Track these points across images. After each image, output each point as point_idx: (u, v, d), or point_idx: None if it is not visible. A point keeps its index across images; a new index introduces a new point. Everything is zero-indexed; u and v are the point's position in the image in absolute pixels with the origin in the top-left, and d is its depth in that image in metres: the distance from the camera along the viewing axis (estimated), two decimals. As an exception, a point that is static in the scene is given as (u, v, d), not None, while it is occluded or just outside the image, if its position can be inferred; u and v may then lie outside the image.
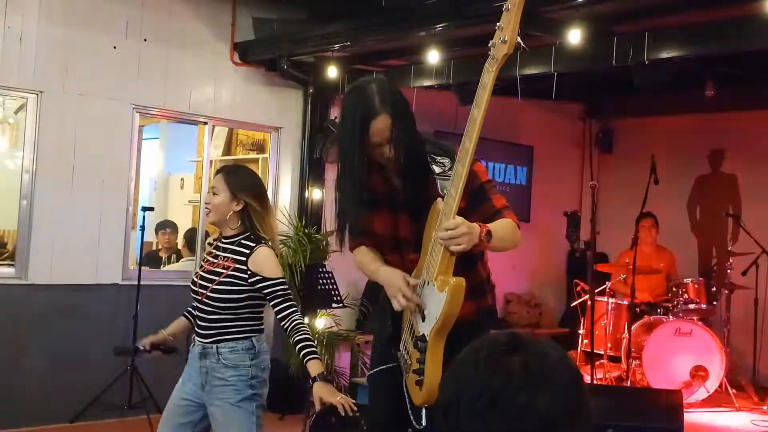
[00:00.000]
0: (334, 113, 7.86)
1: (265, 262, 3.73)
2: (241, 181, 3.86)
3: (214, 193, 3.80)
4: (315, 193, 7.81)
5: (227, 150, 9.22)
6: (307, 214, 7.70)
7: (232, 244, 3.79)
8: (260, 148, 8.73)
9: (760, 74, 7.47)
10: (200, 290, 3.77)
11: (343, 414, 3.41)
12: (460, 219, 2.81)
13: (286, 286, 3.75)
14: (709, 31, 5.58)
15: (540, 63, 6.32)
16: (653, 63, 5.81)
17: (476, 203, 3.03)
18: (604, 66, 6.18)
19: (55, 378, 6.44)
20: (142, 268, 6.77)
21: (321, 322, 7.35)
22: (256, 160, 8.66)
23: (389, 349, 3.28)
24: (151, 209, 7.14)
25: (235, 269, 3.72)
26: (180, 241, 8.57)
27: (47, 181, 6.44)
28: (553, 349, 1.44)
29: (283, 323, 3.70)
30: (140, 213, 6.76)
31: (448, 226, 2.79)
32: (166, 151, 10.08)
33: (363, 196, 3.12)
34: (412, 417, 3.17)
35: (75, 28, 6.56)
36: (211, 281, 3.74)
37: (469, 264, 3.02)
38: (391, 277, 3.11)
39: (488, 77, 2.71)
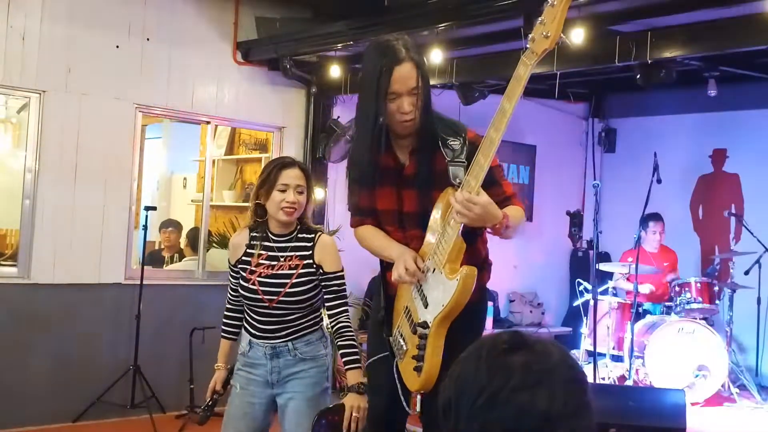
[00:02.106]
0: (337, 112, 7.86)
1: (328, 251, 3.65)
2: (311, 176, 3.76)
3: (300, 192, 3.61)
4: (318, 193, 7.80)
5: (230, 149, 9.22)
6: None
7: (290, 241, 3.65)
8: (263, 147, 8.73)
9: (762, 73, 7.46)
10: (267, 296, 3.60)
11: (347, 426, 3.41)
12: (485, 198, 2.81)
13: (343, 281, 3.68)
14: (712, 30, 5.57)
15: (542, 62, 6.23)
16: (656, 62, 5.81)
17: (487, 187, 2.99)
18: (607, 65, 6.18)
19: (58, 377, 6.44)
20: (145, 267, 6.78)
21: (328, 317, 7.33)
22: (258, 160, 8.66)
23: (383, 334, 3.28)
24: (154, 208, 7.14)
25: (305, 266, 3.61)
26: (183, 241, 8.57)
27: (50, 180, 6.45)
28: (555, 348, 1.44)
29: (330, 320, 3.68)
30: (143, 212, 6.76)
31: (471, 199, 2.77)
32: (169, 150, 10.09)
33: (376, 156, 3.08)
34: (404, 402, 3.17)
35: (78, 27, 6.56)
36: (282, 285, 3.59)
37: (469, 241, 3.01)
38: (399, 256, 3.09)
39: (524, 70, 2.71)
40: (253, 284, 3.63)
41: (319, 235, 3.69)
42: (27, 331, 6.35)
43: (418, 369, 3.00)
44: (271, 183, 3.59)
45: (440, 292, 2.95)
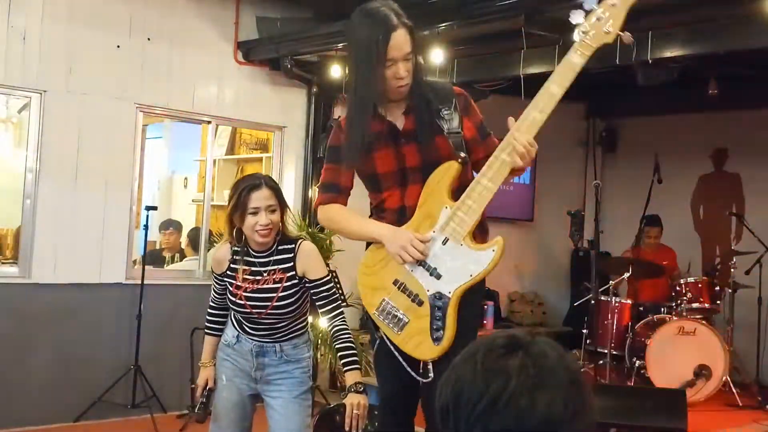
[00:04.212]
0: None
1: (310, 260, 3.66)
2: (280, 190, 3.75)
3: (272, 211, 3.58)
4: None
5: (231, 149, 9.22)
6: (311, 214, 7.69)
7: (271, 255, 3.65)
8: (264, 147, 8.74)
9: (763, 73, 7.46)
10: (255, 310, 3.65)
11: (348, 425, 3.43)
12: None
13: (331, 285, 3.70)
14: (713, 29, 5.58)
15: (543, 62, 6.32)
16: (657, 62, 5.82)
17: (483, 136, 3.21)
18: (608, 65, 6.17)
19: (59, 377, 6.44)
20: (146, 267, 6.78)
21: (324, 321, 7.34)
22: (259, 160, 8.66)
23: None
24: (155, 208, 7.14)
25: (288, 278, 3.63)
26: (183, 240, 8.58)
27: (51, 180, 6.45)
28: (551, 349, 1.44)
29: (327, 325, 3.71)
30: (144, 212, 6.76)
31: (533, 142, 2.92)
32: (170, 150, 10.09)
33: (371, 124, 3.12)
34: (415, 374, 3.17)
35: (78, 27, 6.56)
36: (269, 299, 3.62)
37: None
38: (395, 234, 3.11)
39: (580, 60, 2.92)
40: (240, 299, 3.67)
41: (300, 244, 3.68)
42: (28, 331, 6.35)
43: (438, 339, 3.06)
44: (242, 207, 3.57)
45: (466, 263, 3.02)
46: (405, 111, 3.17)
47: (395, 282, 3.17)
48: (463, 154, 3.05)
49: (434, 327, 3.07)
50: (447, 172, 3.07)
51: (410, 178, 3.18)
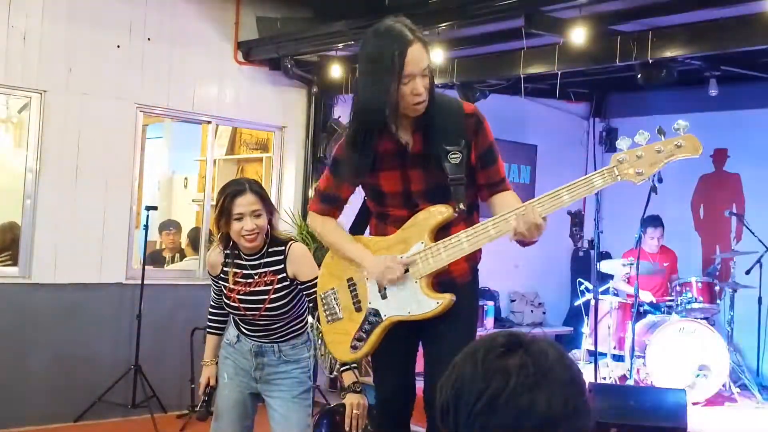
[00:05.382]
0: (338, 112, 7.86)
1: (301, 262, 3.67)
2: (266, 193, 3.75)
3: (257, 216, 3.59)
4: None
5: (231, 149, 9.22)
6: (311, 214, 7.68)
7: (261, 258, 3.67)
8: (264, 147, 8.74)
9: (763, 73, 7.46)
10: (249, 312, 3.68)
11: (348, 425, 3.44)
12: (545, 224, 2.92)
13: None
14: (713, 30, 5.57)
15: (544, 62, 6.32)
16: (657, 62, 5.82)
17: (485, 164, 3.14)
18: (608, 65, 6.18)
19: (59, 377, 6.45)
20: (146, 267, 6.78)
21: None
22: (259, 159, 8.66)
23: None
24: (155, 208, 7.14)
25: (279, 280, 3.65)
26: (184, 240, 8.57)
27: (51, 180, 6.45)
28: (551, 348, 1.44)
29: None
30: (144, 212, 6.77)
31: (541, 227, 2.89)
32: (170, 150, 10.09)
33: (379, 143, 3.08)
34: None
35: (79, 27, 6.56)
36: (261, 301, 3.65)
37: (469, 211, 3.14)
38: (375, 262, 3.12)
39: (600, 183, 2.84)
40: (234, 301, 3.70)
41: (290, 246, 3.69)
42: (28, 331, 6.36)
43: (355, 347, 3.16)
44: (226, 214, 3.59)
45: (409, 299, 3.07)
46: (415, 129, 3.10)
47: (349, 279, 3.24)
48: (462, 206, 3.03)
49: (357, 336, 3.16)
50: (439, 214, 3.07)
51: (418, 200, 3.16)
